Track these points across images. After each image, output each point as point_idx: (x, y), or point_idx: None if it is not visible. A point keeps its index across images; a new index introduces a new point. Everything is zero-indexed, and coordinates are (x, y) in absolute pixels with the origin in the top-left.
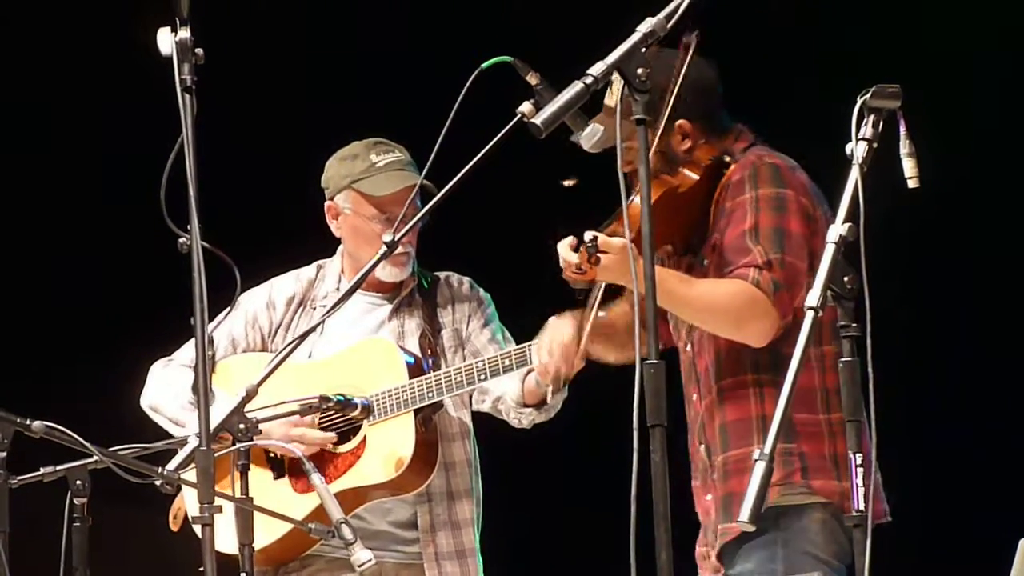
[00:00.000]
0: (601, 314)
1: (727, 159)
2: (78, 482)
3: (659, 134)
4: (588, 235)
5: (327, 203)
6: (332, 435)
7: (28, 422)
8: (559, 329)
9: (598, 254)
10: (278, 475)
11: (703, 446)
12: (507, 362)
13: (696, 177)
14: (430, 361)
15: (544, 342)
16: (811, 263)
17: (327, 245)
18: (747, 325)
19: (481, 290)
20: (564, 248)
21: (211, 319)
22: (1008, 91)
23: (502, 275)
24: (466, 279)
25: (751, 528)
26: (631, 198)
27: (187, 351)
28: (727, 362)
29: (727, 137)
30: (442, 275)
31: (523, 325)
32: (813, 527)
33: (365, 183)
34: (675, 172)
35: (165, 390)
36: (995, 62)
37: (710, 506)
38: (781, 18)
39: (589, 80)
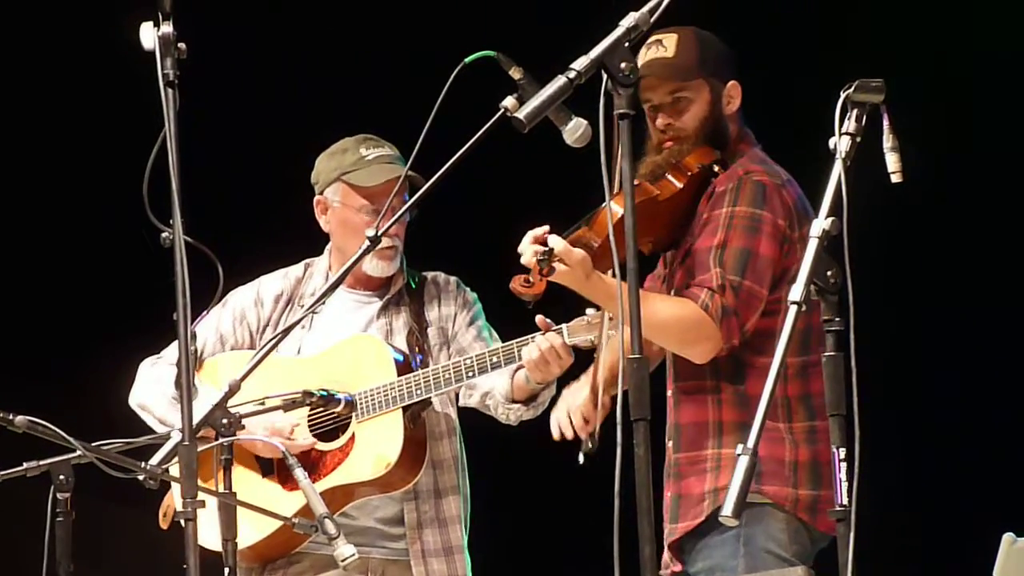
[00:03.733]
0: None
1: (716, 168)
2: (61, 477)
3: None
4: (535, 234)
5: (316, 198)
6: (310, 441)
7: (11, 416)
8: (572, 397)
9: (552, 265)
10: (266, 473)
11: (671, 442)
12: (495, 359)
13: (680, 185)
14: (419, 359)
15: (561, 415)
16: (780, 284)
17: (313, 244)
18: (690, 346)
19: (468, 289)
20: (526, 245)
21: (195, 315)
22: (997, 86)
23: (490, 275)
24: (453, 278)
25: (734, 523)
26: (603, 205)
27: (175, 349)
28: (688, 363)
29: (742, 127)
30: (429, 275)
31: (511, 325)
32: (776, 526)
33: (354, 175)
34: (657, 180)
35: (153, 389)
36: (986, 58)
37: (668, 502)
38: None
39: (572, 75)
